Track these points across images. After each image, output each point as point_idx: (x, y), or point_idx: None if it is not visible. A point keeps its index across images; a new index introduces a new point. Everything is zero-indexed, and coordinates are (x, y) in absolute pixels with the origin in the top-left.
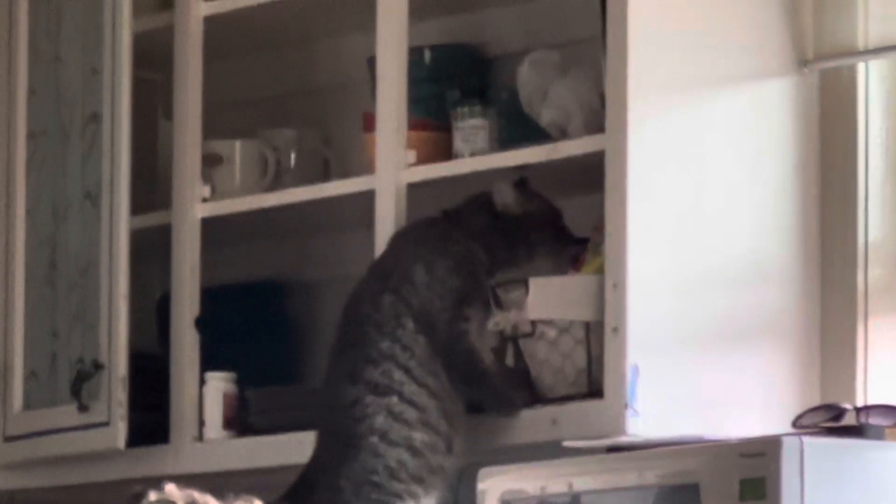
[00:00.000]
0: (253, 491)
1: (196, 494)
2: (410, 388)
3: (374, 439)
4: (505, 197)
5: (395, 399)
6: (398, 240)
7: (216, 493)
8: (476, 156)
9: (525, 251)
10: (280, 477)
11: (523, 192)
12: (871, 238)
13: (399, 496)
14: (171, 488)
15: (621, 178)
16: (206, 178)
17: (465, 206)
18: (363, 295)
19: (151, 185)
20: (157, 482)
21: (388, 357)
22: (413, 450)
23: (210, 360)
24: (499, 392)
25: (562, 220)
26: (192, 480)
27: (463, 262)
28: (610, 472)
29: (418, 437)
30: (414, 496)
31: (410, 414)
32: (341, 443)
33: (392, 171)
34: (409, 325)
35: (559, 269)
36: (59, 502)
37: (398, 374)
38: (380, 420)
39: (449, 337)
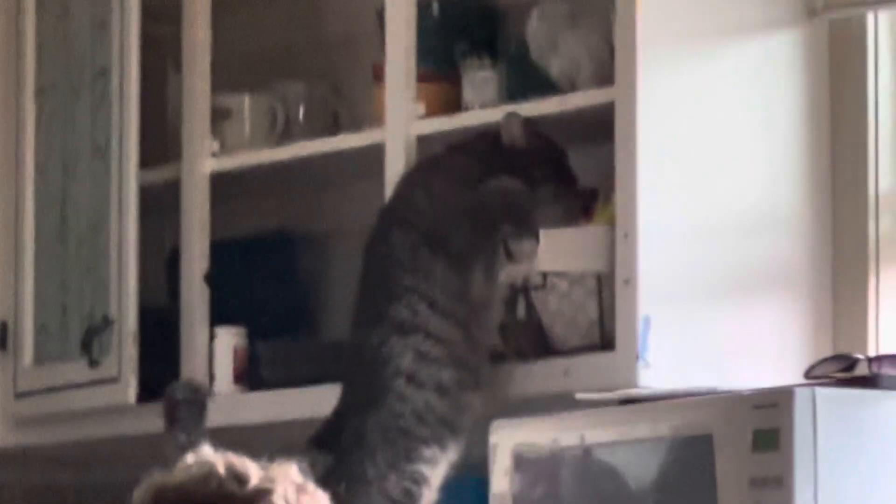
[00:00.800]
0: (265, 445)
1: (233, 457)
2: (436, 321)
3: (401, 382)
4: (513, 130)
5: (420, 337)
6: (401, 176)
7: (251, 454)
8: (485, 107)
9: (527, 185)
10: (292, 431)
11: (532, 131)
12: (881, 187)
13: (425, 442)
14: (207, 451)
15: (631, 130)
16: (216, 132)
17: (471, 139)
18: (375, 236)
19: (161, 140)
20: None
21: (411, 290)
22: (441, 389)
23: (220, 315)
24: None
25: (567, 161)
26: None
27: (460, 174)
28: (622, 424)
29: (446, 375)
30: (440, 441)
31: (438, 351)
32: (368, 387)
33: (401, 124)
34: (424, 251)
35: (561, 211)
36: (71, 457)
37: (422, 307)
38: (406, 361)
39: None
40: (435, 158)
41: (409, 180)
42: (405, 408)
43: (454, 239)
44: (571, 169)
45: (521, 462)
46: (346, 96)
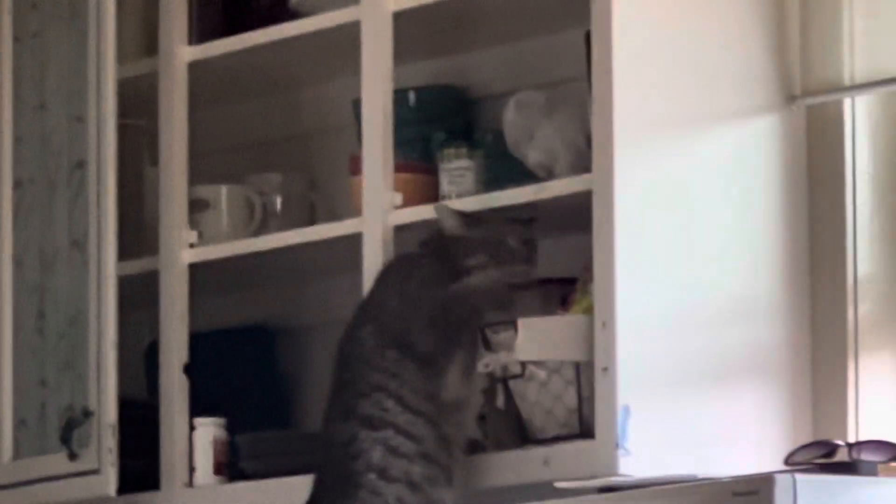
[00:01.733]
0: None
1: None
2: (405, 418)
3: (373, 476)
4: (446, 221)
5: (390, 432)
6: (378, 273)
7: None
8: (463, 197)
9: (463, 272)
10: None
11: (467, 217)
12: (860, 273)
13: None
14: None
15: (608, 218)
16: (193, 223)
17: (433, 234)
18: (347, 334)
19: (138, 232)
20: None
21: (378, 388)
22: (412, 484)
23: (199, 406)
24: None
25: (505, 242)
26: None
27: (429, 274)
28: None
29: (417, 470)
30: None
31: (408, 447)
32: (339, 482)
33: (379, 214)
34: (393, 352)
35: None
36: None
37: (390, 404)
38: (377, 455)
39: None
40: (409, 256)
41: (383, 278)
42: (377, 501)
43: (421, 343)
44: (510, 249)
45: None
46: (323, 187)
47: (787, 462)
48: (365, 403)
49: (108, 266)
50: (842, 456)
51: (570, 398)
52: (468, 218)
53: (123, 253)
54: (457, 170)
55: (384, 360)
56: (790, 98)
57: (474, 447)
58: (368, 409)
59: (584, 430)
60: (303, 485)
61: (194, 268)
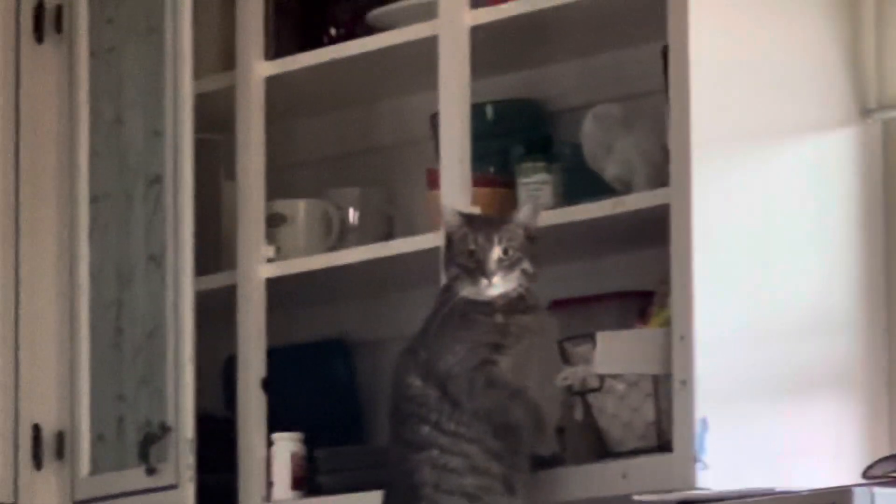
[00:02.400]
0: None
1: None
2: (444, 440)
3: (429, 490)
4: (446, 219)
5: (435, 452)
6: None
7: None
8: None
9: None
10: None
11: (463, 215)
12: None
13: None
14: None
15: (686, 231)
16: (271, 238)
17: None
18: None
19: (215, 247)
20: None
21: (410, 415)
22: (469, 496)
23: (277, 421)
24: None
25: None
26: None
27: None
28: None
29: (470, 482)
30: None
31: (456, 462)
32: (403, 498)
33: None
34: (418, 380)
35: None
36: None
37: (426, 429)
38: (426, 473)
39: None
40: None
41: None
42: None
43: (439, 366)
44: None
45: None
46: (401, 201)
47: (864, 475)
48: (404, 429)
49: (186, 281)
50: None
51: (649, 411)
52: (469, 217)
53: (201, 268)
54: (534, 183)
55: (411, 387)
56: (866, 112)
57: (552, 461)
58: (409, 434)
59: (663, 444)
60: (378, 500)
61: (272, 282)
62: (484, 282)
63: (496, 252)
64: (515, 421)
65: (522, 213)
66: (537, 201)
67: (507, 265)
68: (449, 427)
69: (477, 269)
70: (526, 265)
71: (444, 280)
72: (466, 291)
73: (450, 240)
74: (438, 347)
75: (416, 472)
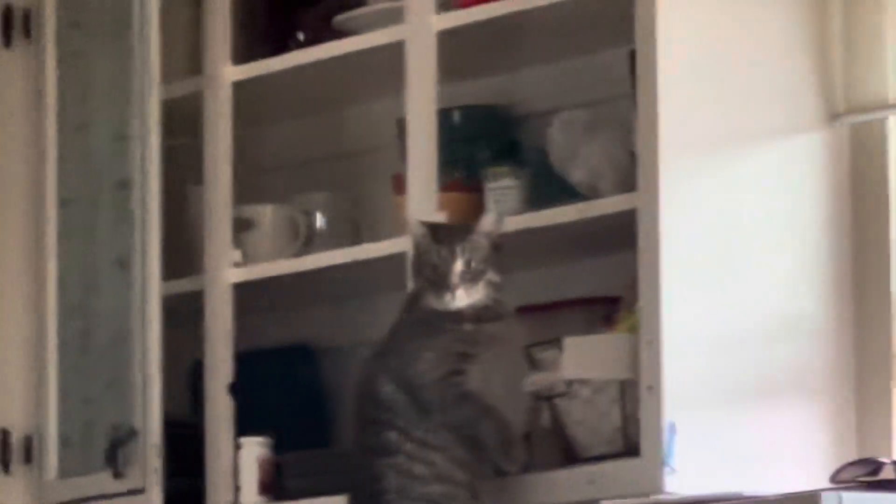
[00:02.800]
0: None
1: None
2: (410, 447)
3: (393, 497)
4: (413, 232)
5: (400, 458)
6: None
7: None
8: (507, 216)
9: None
10: None
11: (427, 224)
12: None
13: None
14: None
15: (654, 236)
16: (238, 243)
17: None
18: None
19: (182, 251)
20: None
21: (376, 420)
22: (433, 503)
23: (244, 426)
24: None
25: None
26: None
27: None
28: None
29: (435, 489)
30: None
31: (420, 469)
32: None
33: None
34: (388, 386)
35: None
36: None
37: (393, 435)
38: (392, 479)
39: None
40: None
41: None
42: None
43: (409, 373)
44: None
45: None
46: (368, 207)
47: (832, 480)
48: (369, 434)
49: (152, 285)
50: (887, 474)
51: (616, 416)
52: (433, 229)
53: (167, 272)
54: (501, 189)
55: (380, 394)
56: (834, 116)
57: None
58: (373, 440)
59: (630, 449)
60: None
61: (238, 287)
62: (448, 295)
63: (459, 265)
64: (484, 437)
65: (486, 222)
66: (501, 209)
67: (470, 278)
68: (416, 434)
69: (441, 283)
70: (490, 275)
71: (411, 287)
72: (432, 303)
73: (416, 250)
74: (408, 355)
75: (382, 477)
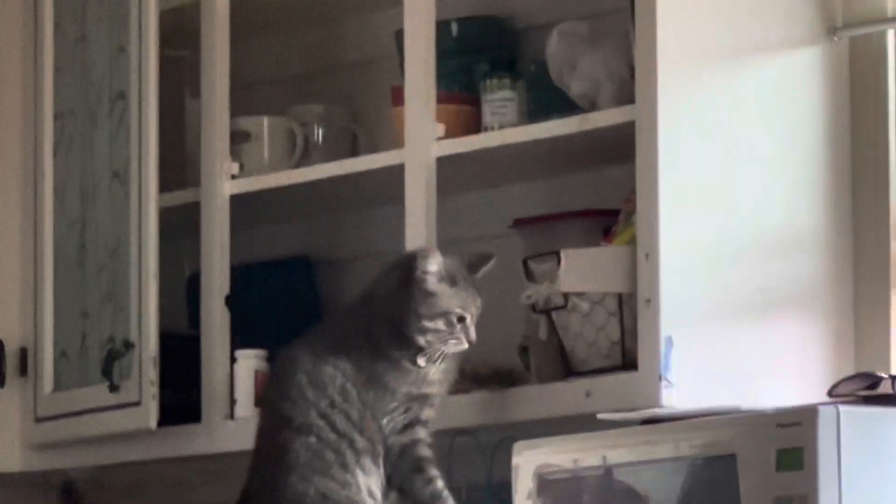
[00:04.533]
0: None
1: None
2: (332, 437)
3: (301, 469)
4: (425, 264)
5: (313, 440)
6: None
7: None
8: (505, 128)
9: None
10: None
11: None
12: None
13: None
14: None
15: (652, 149)
16: (235, 155)
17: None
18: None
19: (179, 164)
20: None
21: (309, 396)
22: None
23: (241, 338)
24: None
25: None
26: (224, 459)
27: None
28: (645, 444)
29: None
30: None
31: (331, 457)
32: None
33: (421, 145)
34: (339, 372)
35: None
36: (91, 482)
37: (313, 415)
38: (301, 454)
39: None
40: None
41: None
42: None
43: (371, 398)
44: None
45: (544, 484)
46: (366, 119)
47: (830, 394)
48: (291, 403)
49: (150, 198)
50: (885, 388)
51: (613, 330)
52: (450, 277)
53: (164, 185)
54: (499, 101)
55: (328, 371)
56: (832, 29)
57: (517, 379)
58: (293, 412)
59: (627, 362)
60: None
61: (236, 199)
62: (465, 345)
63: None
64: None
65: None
66: (500, 121)
67: None
68: (340, 426)
69: (462, 332)
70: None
71: (414, 327)
72: (447, 348)
73: (429, 290)
74: (373, 378)
75: (290, 450)
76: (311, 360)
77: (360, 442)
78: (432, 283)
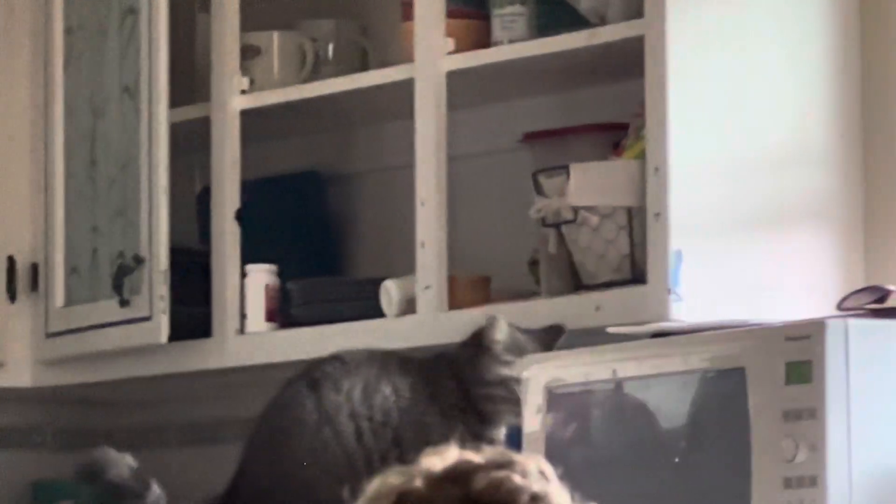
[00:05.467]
0: None
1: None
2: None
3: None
4: (495, 337)
5: (327, 430)
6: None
7: None
8: (515, 43)
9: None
10: None
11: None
12: None
13: None
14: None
15: (661, 63)
16: (245, 70)
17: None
18: None
19: (190, 78)
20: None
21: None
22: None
23: (251, 253)
24: None
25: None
26: (235, 373)
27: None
28: (654, 357)
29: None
30: None
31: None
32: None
33: (431, 60)
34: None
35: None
36: (101, 398)
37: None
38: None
39: None
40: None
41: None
42: None
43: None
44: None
45: (553, 399)
46: (375, 33)
47: (839, 307)
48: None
49: (160, 112)
50: (893, 301)
51: (623, 243)
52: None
53: (175, 100)
54: (509, 15)
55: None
56: None
57: (527, 294)
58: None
59: (637, 276)
60: (353, 331)
61: (246, 114)
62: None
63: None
64: None
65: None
66: (509, 36)
67: None
68: (366, 440)
69: (513, 401)
70: None
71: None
72: (507, 422)
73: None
74: (418, 424)
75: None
76: (377, 371)
77: (377, 463)
78: (498, 351)
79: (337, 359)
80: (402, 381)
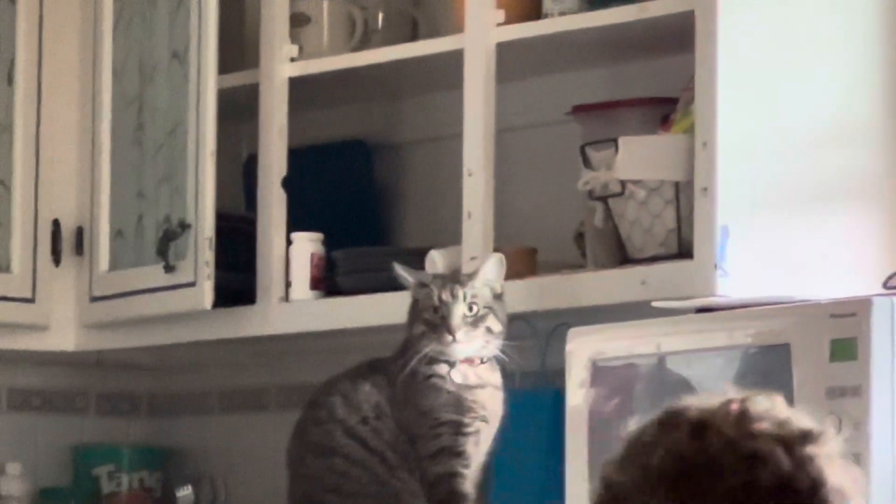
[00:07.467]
0: (337, 352)
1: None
2: (363, 455)
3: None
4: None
5: (338, 460)
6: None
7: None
8: (565, 15)
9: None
10: (365, 338)
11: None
12: None
13: None
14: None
15: (711, 38)
16: (294, 38)
17: None
18: None
19: (239, 45)
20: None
21: (338, 420)
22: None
23: (297, 221)
24: None
25: None
26: (278, 341)
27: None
28: (699, 332)
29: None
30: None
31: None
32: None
33: (481, 31)
34: (372, 405)
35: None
36: (145, 363)
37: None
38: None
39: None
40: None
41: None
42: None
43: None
44: None
45: (597, 372)
46: (426, 3)
47: (885, 285)
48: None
49: (209, 78)
50: None
51: (670, 218)
52: (433, 275)
53: (223, 66)
54: None
55: (363, 401)
56: None
57: (573, 266)
58: (320, 437)
59: (683, 250)
60: (398, 301)
61: (294, 82)
62: (448, 338)
63: (461, 308)
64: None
65: (487, 270)
66: (560, 8)
67: (472, 321)
68: (373, 444)
69: (442, 325)
70: (491, 322)
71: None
72: (431, 349)
73: (415, 298)
74: (403, 408)
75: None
76: (350, 381)
77: (393, 458)
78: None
79: (309, 405)
80: (376, 376)
